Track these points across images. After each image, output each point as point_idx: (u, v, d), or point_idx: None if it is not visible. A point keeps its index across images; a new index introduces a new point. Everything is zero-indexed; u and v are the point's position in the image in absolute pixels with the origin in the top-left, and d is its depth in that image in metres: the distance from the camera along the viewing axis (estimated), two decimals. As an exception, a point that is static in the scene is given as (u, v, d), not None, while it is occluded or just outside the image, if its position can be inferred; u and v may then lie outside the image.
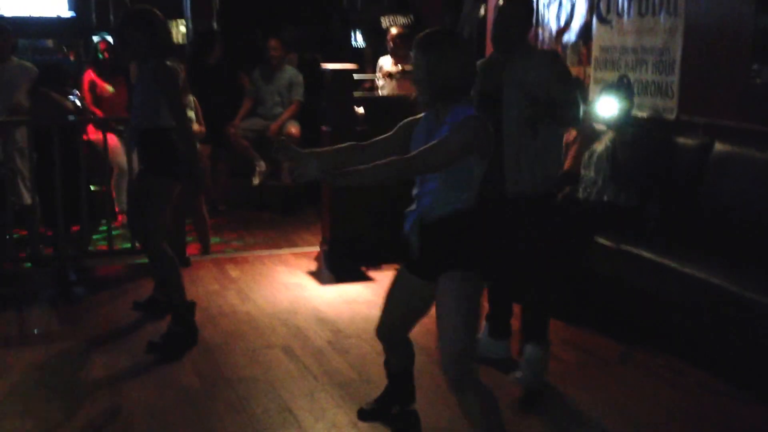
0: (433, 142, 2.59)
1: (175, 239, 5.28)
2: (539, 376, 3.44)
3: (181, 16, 7.83)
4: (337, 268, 5.28)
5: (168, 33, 4.05)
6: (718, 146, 4.14)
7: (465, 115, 2.59)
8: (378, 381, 3.58)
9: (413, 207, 2.70)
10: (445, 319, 2.61)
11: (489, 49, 6.21)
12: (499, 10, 3.44)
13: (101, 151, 5.50)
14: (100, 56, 6.44)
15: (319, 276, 5.17)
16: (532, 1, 3.41)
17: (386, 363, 3.16)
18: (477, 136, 2.56)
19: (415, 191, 2.71)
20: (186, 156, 3.91)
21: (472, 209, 2.65)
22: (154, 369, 3.74)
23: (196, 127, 5.64)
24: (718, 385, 3.48)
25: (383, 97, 6.25)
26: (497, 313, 3.81)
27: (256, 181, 6.86)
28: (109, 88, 6.32)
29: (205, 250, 5.70)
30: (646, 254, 3.91)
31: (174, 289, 3.97)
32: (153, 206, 3.92)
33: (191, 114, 5.61)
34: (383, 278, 5.10)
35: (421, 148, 2.58)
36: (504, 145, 3.34)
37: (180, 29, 8.20)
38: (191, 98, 5.68)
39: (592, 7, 5.26)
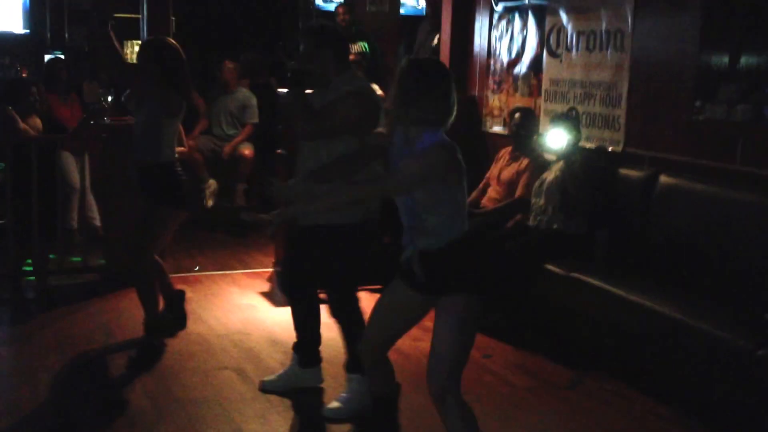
0: (395, 169, 2.65)
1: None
2: (363, 404, 3.39)
3: (137, 37, 7.78)
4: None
5: (179, 62, 4.01)
6: (663, 178, 4.30)
7: (432, 142, 2.62)
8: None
9: (408, 238, 2.73)
10: (444, 336, 2.66)
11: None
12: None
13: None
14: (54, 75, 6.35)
15: (272, 297, 5.16)
16: (323, 28, 3.50)
17: (371, 388, 3.12)
18: (441, 164, 2.59)
19: (406, 222, 2.72)
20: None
21: (467, 235, 2.70)
22: (104, 390, 3.68)
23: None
24: (664, 410, 3.59)
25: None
26: (304, 341, 3.75)
27: (207, 203, 6.82)
28: None
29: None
30: (594, 282, 4.03)
31: (152, 305, 4.11)
32: (155, 230, 4.05)
33: None
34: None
35: (383, 176, 2.62)
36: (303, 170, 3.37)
37: (135, 49, 8.13)
38: None
39: (543, 41, 5.44)
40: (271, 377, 3.78)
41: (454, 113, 2.70)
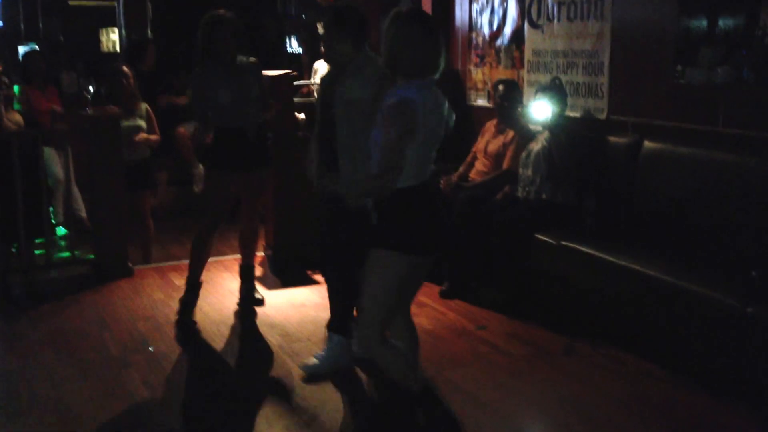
0: (382, 145, 2.69)
1: (119, 247, 5.22)
2: (337, 363, 3.66)
3: (114, 25, 7.71)
4: (283, 272, 5.29)
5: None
6: (648, 144, 4.33)
7: (395, 98, 2.67)
8: (330, 381, 3.63)
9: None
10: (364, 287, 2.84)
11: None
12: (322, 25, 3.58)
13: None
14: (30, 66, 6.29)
15: (265, 281, 5.17)
16: (345, 9, 3.45)
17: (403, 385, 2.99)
18: (404, 122, 2.65)
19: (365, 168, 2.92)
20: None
21: (411, 190, 2.74)
22: (101, 383, 3.69)
23: (144, 135, 5.56)
24: (657, 371, 3.65)
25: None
26: (337, 316, 3.79)
27: (196, 188, 6.80)
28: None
29: (147, 258, 5.63)
30: (584, 249, 4.07)
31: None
32: (261, 192, 4.58)
33: (142, 122, 5.53)
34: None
35: (380, 154, 2.71)
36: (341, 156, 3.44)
37: (111, 37, 8.08)
38: (144, 106, 5.60)
39: (524, 13, 5.43)
40: (313, 360, 3.73)
41: (439, 64, 2.73)
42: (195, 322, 4.34)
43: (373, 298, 2.82)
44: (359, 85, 3.35)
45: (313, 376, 3.62)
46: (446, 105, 2.83)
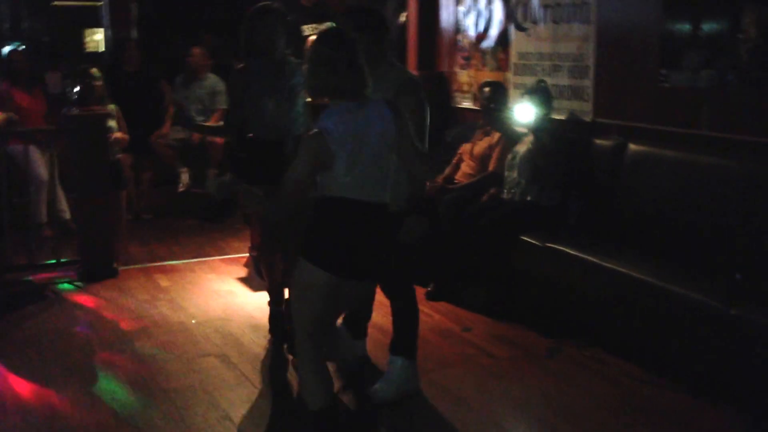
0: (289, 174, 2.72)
1: (104, 248, 5.20)
2: (401, 389, 3.43)
3: (99, 25, 7.66)
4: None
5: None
6: (632, 146, 4.37)
7: (316, 127, 2.69)
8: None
9: None
10: None
11: (411, 55, 6.39)
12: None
13: (20, 163, 5.35)
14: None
15: (250, 282, 5.16)
16: (371, 14, 3.32)
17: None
18: (310, 155, 2.66)
19: None
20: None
21: (337, 201, 2.70)
22: (86, 384, 3.67)
23: (119, 135, 5.56)
24: (641, 372, 3.68)
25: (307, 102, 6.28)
26: (355, 315, 3.79)
27: (181, 188, 6.79)
28: None
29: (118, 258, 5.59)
30: (569, 251, 4.10)
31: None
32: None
33: (113, 123, 5.53)
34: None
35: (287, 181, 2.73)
36: None
37: (95, 38, 8.02)
38: (112, 107, 5.60)
39: (509, 15, 5.46)
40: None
41: (356, 85, 2.67)
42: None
43: (294, 306, 2.82)
44: (379, 88, 3.21)
45: (378, 404, 3.37)
46: (390, 118, 2.75)
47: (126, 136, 5.61)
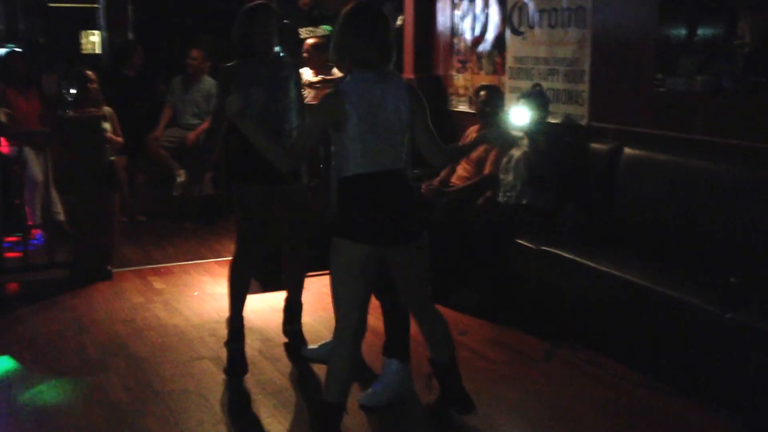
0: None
1: (98, 250, 5.18)
2: (396, 392, 3.43)
3: (95, 27, 7.66)
4: (263, 276, 5.27)
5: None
6: (627, 150, 4.37)
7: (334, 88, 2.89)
8: (310, 387, 3.62)
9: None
10: None
11: (407, 58, 6.39)
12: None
13: (15, 164, 5.34)
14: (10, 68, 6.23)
15: (246, 286, 5.14)
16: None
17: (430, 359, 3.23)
18: (323, 111, 2.85)
19: None
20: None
21: (356, 178, 2.86)
22: (80, 387, 3.65)
23: (111, 136, 5.56)
24: (637, 376, 3.68)
25: (305, 105, 6.28)
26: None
27: (176, 191, 6.77)
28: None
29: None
30: (564, 254, 4.10)
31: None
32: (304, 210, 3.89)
33: (107, 125, 5.53)
34: (310, 286, 5.12)
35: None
36: None
37: (90, 39, 8.02)
38: (107, 109, 5.60)
39: (505, 19, 5.47)
40: (313, 346, 3.80)
41: (381, 55, 2.85)
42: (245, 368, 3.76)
43: (337, 293, 2.96)
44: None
45: (372, 407, 3.36)
46: (406, 96, 2.90)
47: (120, 139, 5.60)
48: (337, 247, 2.88)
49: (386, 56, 2.88)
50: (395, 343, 3.48)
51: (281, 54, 3.81)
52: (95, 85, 5.46)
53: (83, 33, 7.80)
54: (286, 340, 4.16)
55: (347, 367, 2.93)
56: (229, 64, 3.75)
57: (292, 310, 4.08)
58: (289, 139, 3.63)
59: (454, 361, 3.21)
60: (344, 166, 2.89)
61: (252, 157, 3.52)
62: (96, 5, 7.63)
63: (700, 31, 4.09)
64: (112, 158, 5.60)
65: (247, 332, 4.27)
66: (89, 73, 5.47)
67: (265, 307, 4.70)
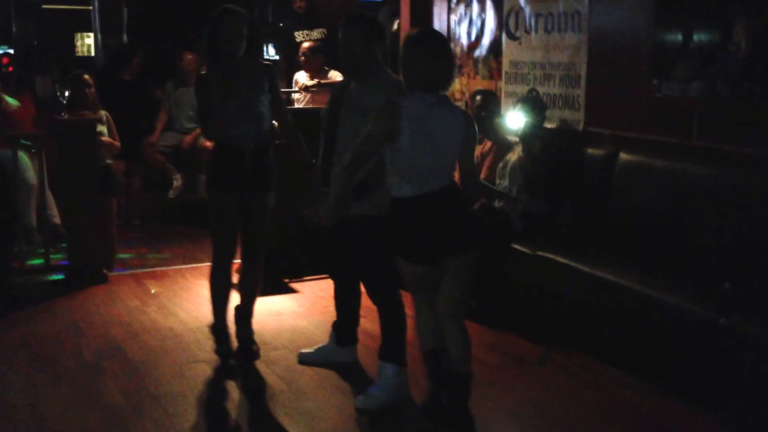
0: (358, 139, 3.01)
1: (93, 253, 5.18)
2: (392, 396, 3.44)
3: (89, 29, 7.65)
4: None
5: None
6: (623, 156, 4.39)
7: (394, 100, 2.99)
8: (307, 391, 3.63)
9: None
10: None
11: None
12: (341, 31, 3.44)
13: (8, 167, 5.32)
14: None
15: (242, 289, 5.14)
16: (375, 22, 3.56)
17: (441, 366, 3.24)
18: (380, 123, 2.92)
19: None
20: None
21: (405, 200, 2.99)
22: (76, 390, 3.64)
23: (107, 140, 5.54)
24: (631, 380, 3.69)
25: (300, 109, 6.30)
26: (342, 321, 3.88)
27: (172, 194, 6.77)
28: (11, 101, 6.06)
29: (109, 266, 5.55)
30: (560, 259, 4.12)
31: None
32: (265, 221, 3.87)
33: (103, 129, 5.52)
34: (306, 289, 5.15)
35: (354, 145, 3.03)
36: (337, 158, 3.38)
37: (85, 42, 8.01)
38: (103, 113, 5.59)
39: (501, 24, 5.49)
40: (309, 350, 3.95)
41: (436, 82, 2.96)
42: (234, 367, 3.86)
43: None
44: (373, 92, 3.34)
45: (368, 411, 3.39)
46: (462, 123, 3.02)
47: (117, 143, 5.59)
48: (399, 264, 3.10)
49: (448, 81, 3.00)
50: (392, 347, 3.49)
51: (259, 60, 3.82)
52: (92, 89, 5.45)
53: (78, 35, 7.79)
54: (284, 343, 4.17)
55: (427, 323, 3.22)
56: (200, 75, 3.78)
57: (243, 317, 4.01)
58: (261, 137, 3.71)
59: (468, 377, 3.19)
60: (396, 184, 2.98)
61: (224, 165, 3.68)
62: (90, 7, 7.61)
63: (695, 37, 4.12)
64: (109, 162, 5.59)
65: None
66: (86, 76, 5.46)
67: (262, 311, 4.66)
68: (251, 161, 3.70)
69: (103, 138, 5.48)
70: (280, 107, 3.85)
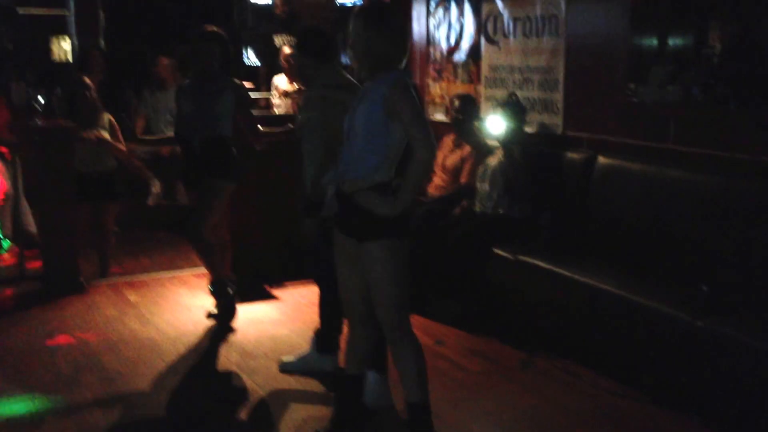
0: (411, 119, 2.68)
1: (69, 262, 5.11)
2: (374, 404, 3.45)
3: (65, 33, 7.55)
4: (240, 287, 5.23)
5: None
6: (601, 160, 4.41)
7: (395, 77, 2.73)
8: (288, 399, 3.60)
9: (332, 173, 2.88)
10: (376, 285, 2.85)
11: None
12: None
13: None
14: None
15: (222, 297, 5.09)
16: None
17: (345, 365, 3.19)
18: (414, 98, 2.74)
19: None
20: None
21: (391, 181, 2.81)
22: (51, 400, 3.59)
23: (93, 135, 5.44)
24: (611, 384, 3.70)
25: (281, 116, 6.26)
26: (327, 328, 3.87)
27: (151, 201, 6.69)
28: None
29: (104, 272, 5.51)
30: (540, 264, 4.12)
31: (212, 269, 4.58)
32: (209, 204, 4.46)
33: (106, 134, 5.42)
34: (287, 296, 5.11)
35: (413, 132, 2.68)
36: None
37: (62, 46, 7.90)
38: (107, 117, 5.49)
39: (480, 29, 5.50)
40: (290, 358, 3.96)
41: (392, 55, 2.76)
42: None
43: (399, 285, 2.86)
44: (310, 102, 3.63)
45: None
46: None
47: (122, 147, 5.50)
48: (397, 250, 2.84)
49: (404, 56, 2.82)
50: (373, 355, 3.47)
51: (229, 78, 4.45)
52: (94, 93, 5.36)
53: (54, 39, 7.68)
54: (265, 351, 4.15)
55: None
56: (180, 85, 4.60)
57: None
58: (212, 132, 4.39)
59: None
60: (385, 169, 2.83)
61: (186, 159, 4.53)
62: (66, 12, 7.52)
63: (671, 42, 4.14)
64: (113, 166, 5.49)
65: (224, 344, 4.28)
66: (86, 80, 5.38)
67: (242, 319, 4.65)
68: (199, 152, 4.41)
69: (95, 133, 5.37)
70: (246, 118, 4.57)
